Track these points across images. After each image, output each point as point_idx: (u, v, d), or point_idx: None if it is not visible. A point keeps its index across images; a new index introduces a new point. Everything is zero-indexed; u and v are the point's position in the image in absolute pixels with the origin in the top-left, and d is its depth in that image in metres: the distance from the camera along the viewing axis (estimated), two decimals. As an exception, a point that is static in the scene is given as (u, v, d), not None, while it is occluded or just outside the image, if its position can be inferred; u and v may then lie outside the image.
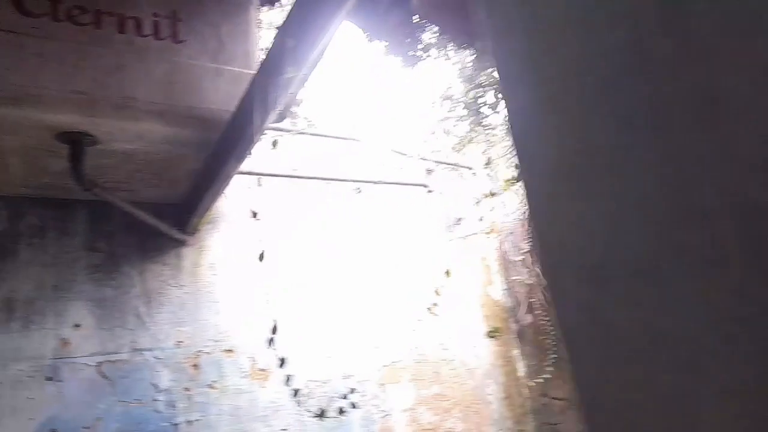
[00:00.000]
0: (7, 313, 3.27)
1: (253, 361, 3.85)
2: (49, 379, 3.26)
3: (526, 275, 4.71)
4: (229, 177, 3.04)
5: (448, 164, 4.79)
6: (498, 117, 3.71)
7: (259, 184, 4.12)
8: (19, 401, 3.16)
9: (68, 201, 3.57)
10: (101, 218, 3.66)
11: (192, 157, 3.06)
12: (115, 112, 2.55)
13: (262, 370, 3.86)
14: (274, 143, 3.57)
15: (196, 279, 3.84)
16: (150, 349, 3.57)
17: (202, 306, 3.81)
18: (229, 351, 3.80)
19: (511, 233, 4.87)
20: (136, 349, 3.53)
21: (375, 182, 4.35)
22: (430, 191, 4.62)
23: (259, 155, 3.93)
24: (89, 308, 3.48)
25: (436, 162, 4.73)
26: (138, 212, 3.20)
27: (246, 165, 3.36)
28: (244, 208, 4.11)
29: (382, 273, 4.51)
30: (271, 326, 3.64)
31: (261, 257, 3.49)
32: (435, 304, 4.10)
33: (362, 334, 4.28)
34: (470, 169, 4.82)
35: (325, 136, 4.40)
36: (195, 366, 3.67)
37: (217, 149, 2.87)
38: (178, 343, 3.66)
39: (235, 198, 4.10)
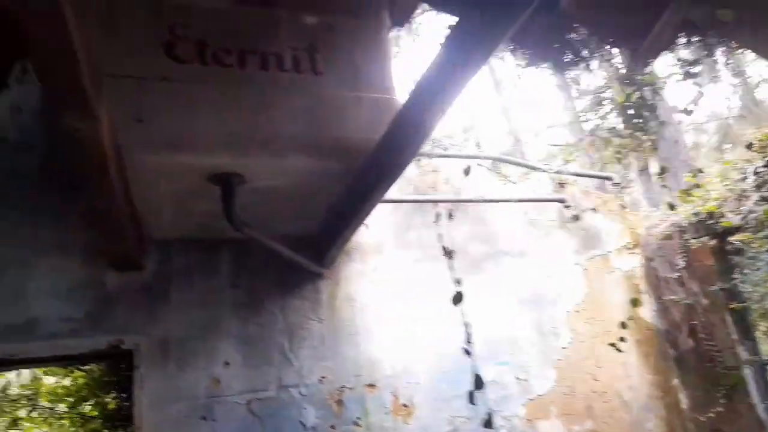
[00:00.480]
0: (163, 354, 3.37)
1: (395, 395, 3.70)
2: (203, 418, 3.31)
3: (683, 294, 4.20)
4: (373, 206, 2.95)
5: (587, 176, 4.43)
6: (655, 121, 3.35)
7: (395, 211, 4.02)
8: (178, 440, 3.22)
9: (212, 241, 3.66)
10: (242, 257, 3.72)
11: (332, 188, 3.01)
12: (263, 150, 2.55)
13: (405, 406, 3.69)
14: (466, 171, 3.43)
15: (334, 312, 3.78)
16: (295, 386, 3.53)
17: (342, 339, 3.73)
18: (372, 386, 3.68)
19: (660, 248, 4.39)
20: (282, 386, 3.51)
21: (510, 200, 4.10)
22: (567, 206, 4.29)
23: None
24: (236, 346, 3.52)
25: (573, 175, 4.40)
26: (280, 248, 3.20)
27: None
28: (378, 237, 4.02)
29: (519, 296, 4.22)
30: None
31: (457, 299, 3.24)
32: (622, 339, 3.73)
33: (503, 366, 4.00)
34: (610, 179, 4.42)
35: (461, 156, 4.23)
36: (339, 402, 3.58)
37: (360, 178, 2.80)
38: (322, 379, 3.60)
39: (367, 227, 4.03)
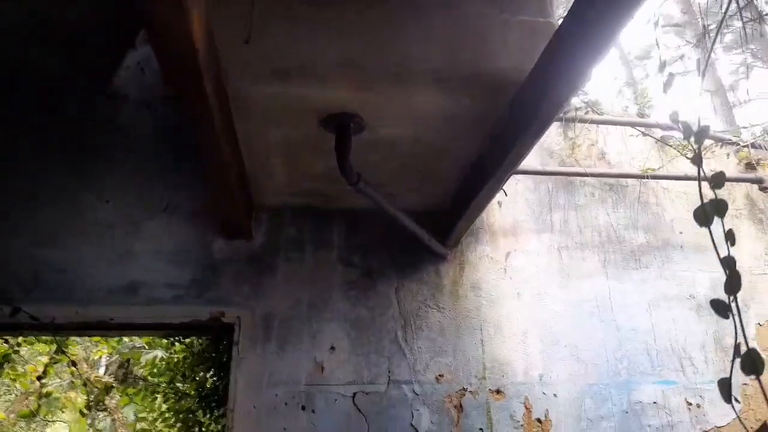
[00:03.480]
0: (265, 332, 3.02)
1: (527, 407, 3.04)
2: (304, 408, 2.90)
3: None
4: (512, 166, 2.35)
5: None
6: None
7: (536, 188, 3.38)
8: (276, 430, 2.83)
9: (324, 212, 3.28)
10: (356, 231, 3.29)
11: (465, 142, 2.46)
12: (388, 81, 2.07)
13: (539, 421, 3.02)
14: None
15: (456, 301, 3.22)
16: (408, 382, 3.01)
17: (465, 334, 3.15)
18: (498, 392, 3.06)
19: None
20: (393, 381, 3.01)
21: (686, 178, 3.28)
22: (765, 188, 3.35)
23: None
24: (345, 329, 3.08)
25: None
26: (400, 215, 2.70)
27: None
28: (512, 218, 3.41)
29: (693, 301, 3.35)
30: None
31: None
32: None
33: (669, 386, 3.17)
34: None
35: (620, 123, 3.48)
36: (458, 408, 3.00)
37: (501, 124, 2.22)
38: (439, 378, 3.04)
39: (500, 206, 3.43)
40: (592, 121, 3.34)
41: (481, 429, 2.96)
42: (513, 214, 3.42)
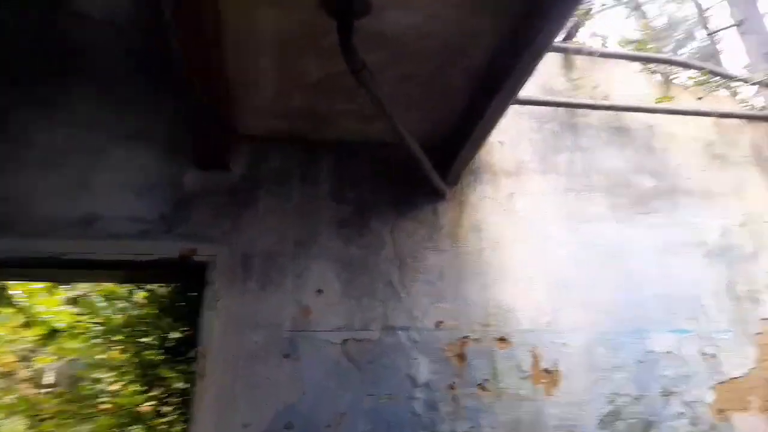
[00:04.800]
0: (244, 270, 2.67)
1: (535, 356, 2.77)
2: (287, 356, 2.55)
3: None
4: (526, 73, 2.09)
5: None
6: None
7: (540, 128, 3.14)
8: (255, 380, 2.47)
9: (313, 141, 2.96)
10: (348, 164, 2.98)
11: (479, 43, 2.20)
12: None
13: (548, 371, 2.75)
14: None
15: (457, 243, 2.93)
16: (405, 328, 2.70)
17: (467, 278, 2.86)
18: (503, 341, 2.77)
19: None
20: (387, 327, 2.69)
21: (700, 113, 3.08)
22: None
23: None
24: (334, 270, 2.75)
25: None
26: (401, 129, 2.40)
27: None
28: (516, 157, 3.16)
29: (704, 247, 3.15)
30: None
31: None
32: None
33: (683, 335, 2.95)
34: None
35: (624, 56, 3.28)
36: (460, 357, 2.71)
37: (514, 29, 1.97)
38: (438, 324, 2.74)
39: (501, 145, 3.18)
40: (600, 54, 3.13)
41: (486, 379, 2.67)
42: (516, 154, 3.17)
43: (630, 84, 3.42)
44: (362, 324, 2.68)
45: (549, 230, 3.02)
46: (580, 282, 2.93)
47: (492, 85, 2.33)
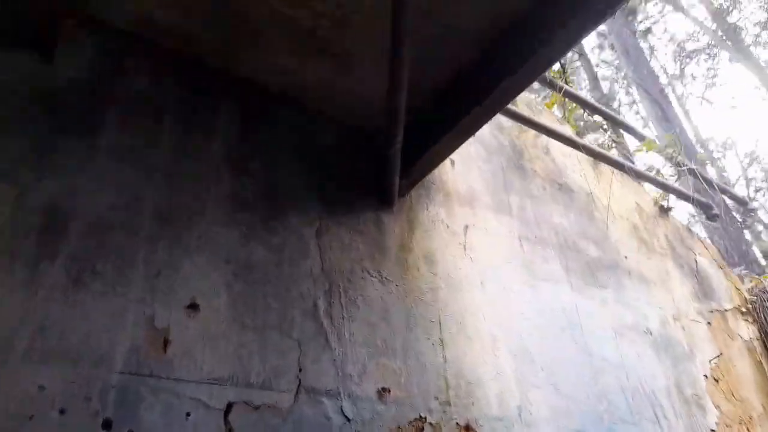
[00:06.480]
0: (43, 241, 1.32)
1: (508, 460, 1.81)
2: (107, 426, 1.20)
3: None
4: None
5: (687, 198, 3.25)
6: None
7: (489, 158, 2.46)
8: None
9: (215, 74, 1.84)
10: (261, 123, 1.90)
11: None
12: None
13: (524, 484, 1.80)
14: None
15: (406, 273, 1.95)
16: (333, 394, 1.55)
17: (419, 326, 1.87)
18: (468, 430, 1.77)
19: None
20: (307, 388, 1.51)
21: (648, 179, 2.74)
22: (714, 215, 3.02)
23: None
24: (223, 275, 1.54)
25: (677, 194, 3.20)
26: (401, 77, 1.49)
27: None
28: (468, 184, 2.40)
29: (651, 337, 2.63)
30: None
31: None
32: None
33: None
34: (711, 210, 3.24)
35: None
36: (412, 451, 1.62)
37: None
38: (383, 394, 1.65)
39: (453, 165, 2.42)
40: (533, 124, 2.71)
41: (448, 492, 1.60)
42: (468, 180, 2.43)
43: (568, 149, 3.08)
44: (264, 376, 1.46)
45: (508, 280, 2.25)
46: (543, 354, 2.15)
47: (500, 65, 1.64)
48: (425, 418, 1.70)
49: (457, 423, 1.76)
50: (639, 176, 3.22)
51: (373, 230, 1.97)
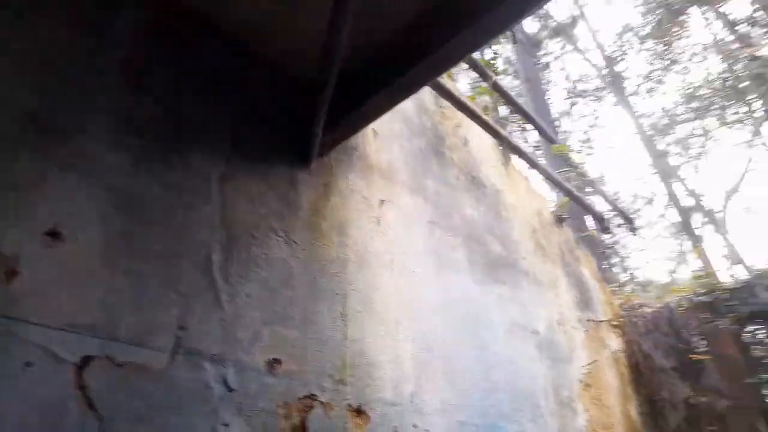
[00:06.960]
0: None
1: (399, 444, 1.70)
2: None
3: (686, 390, 3.22)
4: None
5: (578, 201, 3.37)
6: None
7: (411, 137, 2.34)
8: None
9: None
10: (167, 41, 1.61)
11: None
12: None
13: (411, 472, 1.70)
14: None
15: (316, 240, 1.77)
16: (216, 359, 1.34)
17: (323, 298, 1.69)
18: (360, 413, 1.63)
19: (655, 325, 3.46)
20: (186, 349, 1.28)
21: (557, 182, 2.77)
22: (606, 228, 3.13)
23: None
24: (99, 202, 1.27)
25: (570, 196, 3.30)
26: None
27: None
28: (388, 158, 2.26)
29: (538, 338, 2.67)
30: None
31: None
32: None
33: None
34: (602, 221, 3.40)
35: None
36: (297, 429, 1.45)
37: None
38: (273, 365, 1.46)
39: (375, 135, 2.26)
40: (462, 105, 2.65)
41: (330, 479, 1.45)
42: (390, 155, 2.29)
43: (483, 137, 3.05)
44: (136, 330, 1.21)
45: (415, 263, 2.14)
46: (443, 344, 2.07)
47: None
48: (316, 396, 1.53)
49: (349, 404, 1.61)
50: (548, 177, 3.30)
51: (287, 187, 1.76)
